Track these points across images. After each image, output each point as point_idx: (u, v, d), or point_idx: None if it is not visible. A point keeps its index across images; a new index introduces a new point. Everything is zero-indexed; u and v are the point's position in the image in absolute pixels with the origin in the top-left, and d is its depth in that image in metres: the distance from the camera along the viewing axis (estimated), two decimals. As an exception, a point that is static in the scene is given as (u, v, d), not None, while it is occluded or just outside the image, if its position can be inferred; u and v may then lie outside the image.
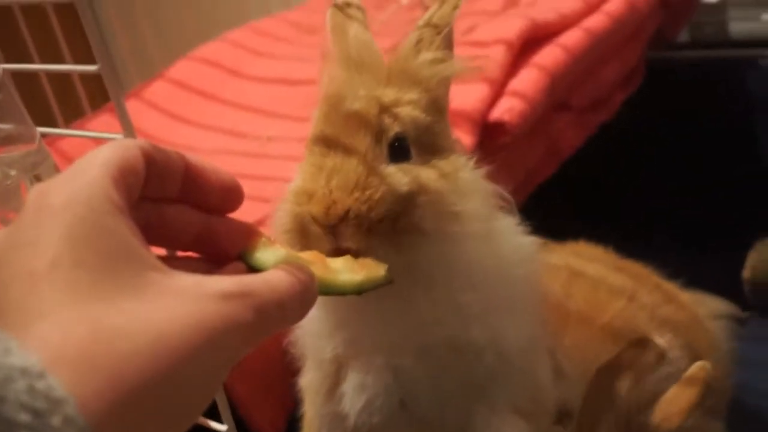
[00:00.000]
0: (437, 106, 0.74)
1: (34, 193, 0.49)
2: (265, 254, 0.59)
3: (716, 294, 1.35)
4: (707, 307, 1.29)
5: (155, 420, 0.44)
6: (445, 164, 0.72)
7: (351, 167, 0.67)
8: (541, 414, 0.81)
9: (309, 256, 0.62)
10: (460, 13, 0.75)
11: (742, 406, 1.24)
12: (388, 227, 0.67)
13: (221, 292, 0.48)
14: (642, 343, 0.94)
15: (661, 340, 0.97)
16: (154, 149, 0.55)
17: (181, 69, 1.83)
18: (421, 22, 0.75)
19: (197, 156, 0.58)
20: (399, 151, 0.70)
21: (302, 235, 0.69)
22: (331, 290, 0.61)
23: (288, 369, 0.86)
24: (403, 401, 0.75)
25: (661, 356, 0.94)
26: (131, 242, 0.48)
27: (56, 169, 0.72)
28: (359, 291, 0.63)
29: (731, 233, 1.53)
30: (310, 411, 0.84)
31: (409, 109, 0.71)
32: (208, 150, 1.50)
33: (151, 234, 0.53)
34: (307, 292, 0.55)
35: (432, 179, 0.70)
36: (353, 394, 0.76)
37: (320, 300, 0.59)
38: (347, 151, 0.68)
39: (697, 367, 0.90)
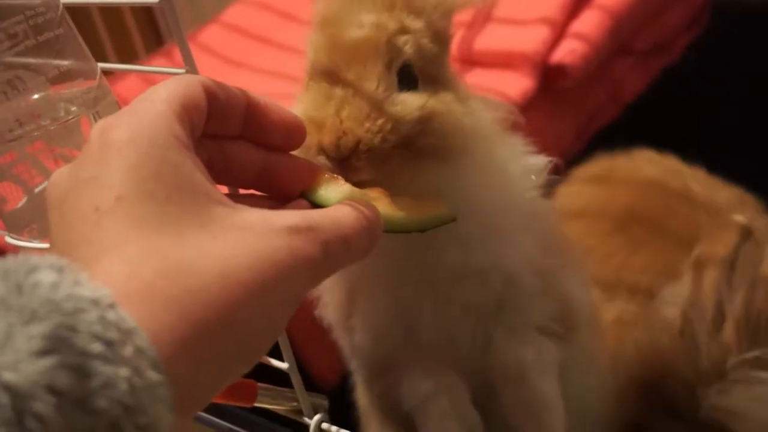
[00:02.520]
0: (440, 38, 0.71)
1: (97, 129, 0.49)
2: (328, 191, 0.58)
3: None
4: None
5: (223, 354, 0.44)
6: (451, 95, 0.69)
7: (362, 96, 0.64)
8: (577, 329, 0.79)
9: (373, 193, 0.61)
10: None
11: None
12: (401, 155, 0.64)
13: (288, 226, 0.47)
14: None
15: (740, 216, 0.91)
16: (216, 85, 0.54)
17: (234, 13, 1.82)
18: None
19: (259, 94, 0.57)
20: (407, 78, 0.67)
21: None
22: (394, 227, 0.60)
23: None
24: (409, 330, 0.74)
25: (747, 232, 0.87)
26: (196, 177, 0.48)
27: (117, 106, 0.71)
28: (422, 228, 0.62)
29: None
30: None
31: (415, 38, 0.67)
32: (264, 94, 1.49)
33: (213, 172, 0.52)
34: (371, 228, 0.54)
35: (444, 103, 0.67)
36: (361, 329, 0.75)
37: None
38: (358, 79, 0.64)
39: None
